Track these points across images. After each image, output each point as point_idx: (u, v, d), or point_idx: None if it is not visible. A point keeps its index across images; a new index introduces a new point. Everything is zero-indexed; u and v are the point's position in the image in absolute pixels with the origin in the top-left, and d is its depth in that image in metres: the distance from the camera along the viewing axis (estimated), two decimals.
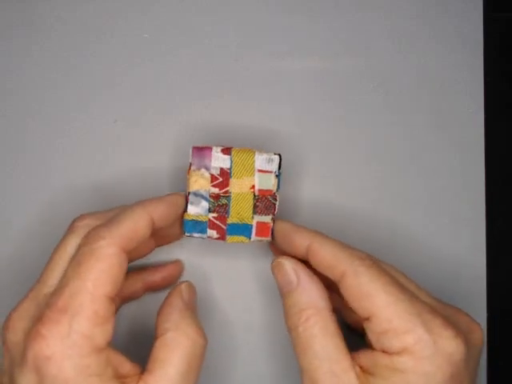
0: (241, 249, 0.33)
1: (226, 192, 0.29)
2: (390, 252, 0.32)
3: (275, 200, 0.29)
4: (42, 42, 0.34)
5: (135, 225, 0.25)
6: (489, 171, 0.34)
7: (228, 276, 0.33)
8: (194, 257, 0.33)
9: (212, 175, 0.29)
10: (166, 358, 0.24)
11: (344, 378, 0.24)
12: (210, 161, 0.29)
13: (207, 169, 0.29)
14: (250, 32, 0.34)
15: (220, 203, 0.29)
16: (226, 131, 0.34)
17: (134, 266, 0.31)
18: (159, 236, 0.30)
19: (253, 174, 0.29)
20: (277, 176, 0.29)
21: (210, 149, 0.29)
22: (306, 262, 0.27)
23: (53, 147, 0.34)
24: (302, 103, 0.34)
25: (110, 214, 0.27)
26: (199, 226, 0.29)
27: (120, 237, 0.24)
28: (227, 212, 0.29)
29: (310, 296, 0.26)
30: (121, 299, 0.30)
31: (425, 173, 0.34)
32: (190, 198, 0.29)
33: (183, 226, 0.29)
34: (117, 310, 0.28)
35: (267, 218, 0.29)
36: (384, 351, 0.24)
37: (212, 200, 0.29)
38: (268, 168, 0.29)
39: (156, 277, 0.31)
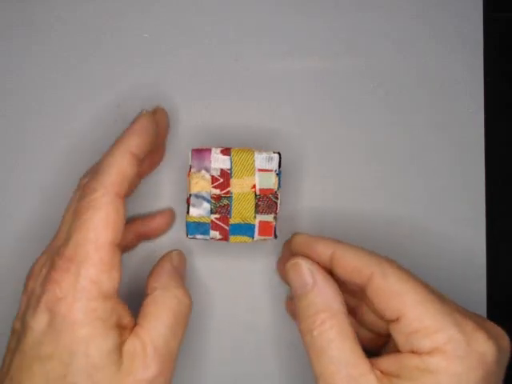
0: (243, 249, 0.33)
1: (228, 193, 0.29)
2: (389, 252, 0.31)
3: (276, 199, 0.29)
4: (42, 42, 0.34)
5: (120, 167, 0.26)
6: (489, 171, 0.34)
7: (229, 276, 0.33)
8: (195, 257, 0.33)
9: (212, 176, 0.29)
10: (155, 313, 0.26)
11: (363, 381, 0.23)
12: (210, 162, 0.29)
13: (207, 170, 0.29)
14: (250, 32, 0.34)
15: (221, 204, 0.29)
16: (226, 131, 0.34)
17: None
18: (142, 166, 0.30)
19: (253, 174, 0.29)
20: (277, 174, 0.29)
21: (209, 150, 0.29)
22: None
23: (53, 147, 0.34)
24: (302, 103, 0.34)
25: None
26: (202, 227, 0.29)
27: (111, 184, 0.26)
28: (229, 212, 0.29)
29: (325, 298, 0.25)
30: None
31: (425, 173, 0.34)
32: (192, 200, 0.29)
33: (186, 228, 0.29)
34: (121, 255, 0.28)
35: (269, 217, 0.29)
36: (413, 352, 0.23)
37: (213, 201, 0.29)
38: (268, 167, 0.29)
39: (147, 227, 0.32)
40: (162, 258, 0.30)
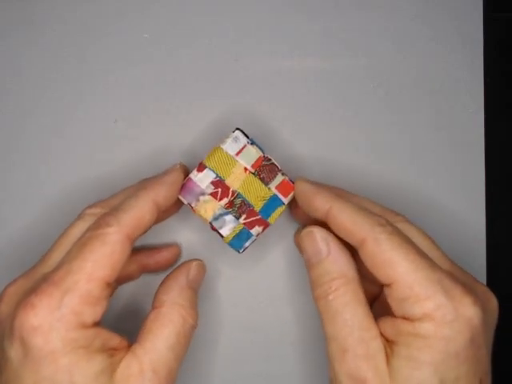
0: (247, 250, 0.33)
1: (233, 193, 0.29)
2: None
3: (270, 160, 0.29)
4: (42, 42, 0.34)
5: (141, 212, 0.26)
6: (489, 171, 0.34)
7: (231, 276, 0.33)
8: (197, 257, 0.33)
9: (211, 193, 0.29)
10: (157, 331, 0.25)
11: (373, 344, 0.24)
12: (198, 186, 0.28)
13: (203, 194, 0.29)
14: (250, 32, 0.34)
15: (237, 204, 0.29)
16: (226, 131, 0.34)
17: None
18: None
19: (235, 162, 0.29)
20: (252, 144, 0.29)
21: (189, 179, 0.28)
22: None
23: (52, 147, 0.34)
24: (301, 103, 0.34)
25: (116, 200, 0.27)
26: (242, 235, 0.29)
27: (127, 225, 0.25)
28: (249, 205, 0.29)
29: (340, 265, 0.26)
30: (117, 281, 0.30)
31: (425, 173, 0.34)
32: (215, 225, 0.29)
33: (233, 248, 0.29)
34: (112, 292, 0.28)
35: (279, 178, 0.29)
36: (405, 318, 0.24)
37: (230, 209, 0.29)
38: (240, 146, 0.29)
39: (151, 260, 0.31)
40: (179, 269, 0.29)
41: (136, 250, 0.31)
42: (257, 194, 0.29)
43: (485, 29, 0.34)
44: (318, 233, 0.27)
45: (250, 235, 0.29)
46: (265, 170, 0.29)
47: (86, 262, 0.24)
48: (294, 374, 0.33)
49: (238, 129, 0.29)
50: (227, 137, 0.29)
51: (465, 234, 0.33)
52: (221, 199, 0.29)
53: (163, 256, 0.32)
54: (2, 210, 0.33)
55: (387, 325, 0.25)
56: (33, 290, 0.24)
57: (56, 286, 0.23)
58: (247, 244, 0.29)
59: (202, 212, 0.28)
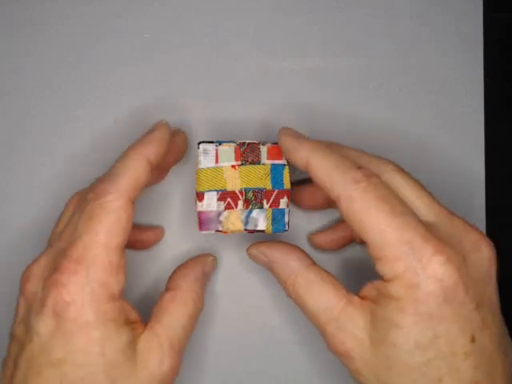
0: (246, 245, 0.33)
1: (241, 192, 0.28)
2: None
3: (244, 143, 0.29)
4: (42, 42, 0.34)
5: (137, 173, 0.26)
6: (489, 171, 0.34)
7: (231, 275, 0.33)
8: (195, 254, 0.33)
9: (226, 208, 0.28)
10: (173, 311, 0.27)
11: (342, 317, 0.25)
12: (211, 211, 0.28)
13: (220, 214, 0.28)
14: (249, 32, 0.34)
15: (252, 197, 0.28)
16: (226, 131, 0.34)
17: None
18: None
19: (220, 168, 0.28)
20: (220, 144, 0.29)
21: (199, 213, 0.28)
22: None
23: (52, 147, 0.34)
24: (301, 103, 0.34)
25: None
26: (277, 217, 0.29)
27: (125, 189, 0.25)
28: (260, 190, 0.28)
29: (284, 266, 0.28)
30: None
31: (425, 173, 0.34)
32: (250, 227, 0.28)
33: (279, 232, 0.29)
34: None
35: (264, 149, 0.29)
36: (382, 278, 0.24)
37: (250, 206, 0.28)
38: (213, 154, 0.28)
39: (133, 236, 0.31)
40: (196, 260, 0.31)
41: None
42: (258, 176, 0.29)
43: (485, 29, 0.34)
44: (254, 251, 0.29)
45: (282, 211, 0.29)
46: (247, 153, 0.29)
47: (99, 234, 0.24)
48: (294, 373, 0.33)
49: (199, 143, 0.29)
50: (198, 155, 0.29)
51: None
52: (236, 205, 0.28)
53: (147, 235, 0.32)
54: (1, 211, 0.33)
55: (371, 287, 0.25)
56: (57, 268, 0.24)
57: (78, 263, 0.24)
58: (286, 219, 0.29)
59: (232, 227, 0.28)
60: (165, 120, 0.29)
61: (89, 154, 0.33)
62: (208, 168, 0.28)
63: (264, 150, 0.29)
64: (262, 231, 0.29)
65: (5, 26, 0.34)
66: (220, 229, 0.28)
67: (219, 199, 0.28)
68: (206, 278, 0.30)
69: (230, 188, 0.28)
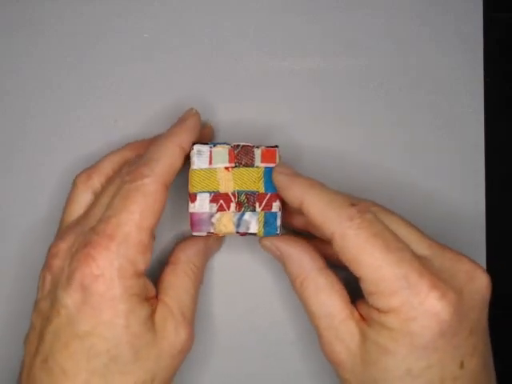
0: (244, 246, 0.33)
1: (234, 195, 0.28)
2: None
3: (239, 146, 0.29)
4: (42, 42, 0.34)
5: (172, 159, 0.27)
6: (489, 171, 0.34)
7: (230, 275, 0.33)
8: None
9: (218, 210, 0.28)
10: (179, 283, 0.28)
11: (342, 327, 0.26)
12: (203, 213, 0.28)
13: (212, 215, 0.28)
14: (249, 32, 0.34)
15: (244, 200, 0.28)
16: (226, 131, 0.34)
17: None
18: None
19: (214, 169, 0.28)
20: (215, 145, 0.29)
21: (191, 214, 0.28)
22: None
23: (52, 147, 0.34)
24: (301, 103, 0.34)
25: (104, 164, 0.30)
26: (269, 220, 0.28)
27: (161, 174, 0.26)
28: (252, 192, 0.28)
29: (296, 263, 0.28)
30: None
31: (425, 173, 0.34)
32: (241, 230, 0.28)
33: (270, 235, 0.29)
34: None
35: (258, 152, 0.29)
36: (374, 308, 0.25)
37: (242, 208, 0.28)
38: (207, 155, 0.28)
39: None
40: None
41: None
42: (251, 179, 0.29)
43: (485, 29, 0.34)
44: (268, 244, 0.29)
45: (274, 214, 0.29)
46: (241, 156, 0.29)
47: (133, 213, 0.25)
48: (294, 373, 0.33)
49: (194, 143, 0.29)
50: (191, 156, 0.28)
51: (465, 234, 0.33)
52: (229, 207, 0.28)
53: None
54: (1, 211, 0.33)
55: (363, 307, 0.26)
56: (88, 244, 0.25)
57: (110, 239, 0.25)
58: (278, 223, 0.29)
59: (224, 229, 0.28)
60: (195, 109, 0.30)
61: (89, 154, 0.33)
62: (201, 169, 0.28)
63: (258, 152, 0.29)
64: (254, 234, 0.29)
65: (5, 26, 0.34)
66: (212, 231, 0.28)
67: (211, 201, 0.28)
68: (208, 253, 0.31)
69: (222, 190, 0.28)
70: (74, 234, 0.27)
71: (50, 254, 0.27)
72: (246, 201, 0.28)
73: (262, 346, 0.33)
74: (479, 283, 0.25)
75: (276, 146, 0.29)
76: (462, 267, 0.26)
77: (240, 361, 0.33)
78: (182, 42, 0.34)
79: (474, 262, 0.26)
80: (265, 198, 0.29)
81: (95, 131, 0.34)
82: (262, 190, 0.29)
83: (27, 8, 0.34)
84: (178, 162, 0.27)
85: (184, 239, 0.31)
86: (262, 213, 0.28)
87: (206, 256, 0.31)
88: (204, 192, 0.28)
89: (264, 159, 0.29)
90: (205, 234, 0.28)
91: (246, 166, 0.29)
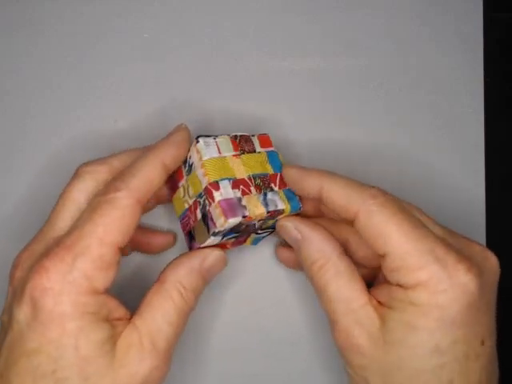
0: (245, 249, 0.33)
1: (250, 179, 0.28)
2: None
3: (237, 136, 0.29)
4: (42, 42, 0.34)
5: (150, 175, 0.26)
6: (489, 171, 0.34)
7: (231, 276, 0.33)
8: None
9: (242, 194, 0.28)
10: (157, 304, 0.25)
11: (361, 312, 0.25)
12: (231, 197, 0.27)
13: (240, 199, 0.27)
14: (249, 32, 0.34)
15: (260, 183, 0.28)
16: (226, 131, 0.34)
17: None
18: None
19: (224, 157, 0.28)
20: (217, 137, 0.28)
21: (220, 201, 0.27)
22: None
23: (53, 147, 0.34)
24: (301, 103, 0.34)
25: (113, 159, 0.27)
26: (289, 196, 0.29)
27: (136, 189, 0.25)
28: (264, 175, 0.29)
29: (316, 247, 0.27)
30: None
31: (425, 173, 0.34)
32: (271, 209, 0.28)
33: (295, 211, 0.29)
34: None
35: (255, 139, 0.30)
36: (399, 285, 0.25)
37: (262, 190, 0.28)
38: (214, 145, 0.28)
39: (145, 239, 0.31)
40: (197, 252, 0.28)
41: None
42: (258, 163, 0.29)
43: (485, 29, 0.34)
44: (288, 224, 0.28)
45: (291, 190, 0.29)
46: (243, 143, 0.29)
47: (97, 226, 0.24)
48: (294, 373, 0.33)
49: (198, 136, 0.28)
50: (198, 150, 0.28)
51: (464, 233, 0.33)
52: (250, 191, 0.28)
53: (157, 239, 0.31)
54: (2, 211, 0.33)
55: (383, 292, 0.26)
56: (45, 254, 0.24)
57: (68, 250, 0.23)
58: (298, 197, 0.29)
59: (256, 211, 0.27)
60: (185, 124, 0.29)
61: (89, 154, 0.33)
62: (213, 158, 0.28)
63: (255, 139, 0.30)
64: (282, 211, 0.28)
65: (5, 26, 0.34)
66: (246, 213, 0.27)
67: (233, 187, 0.28)
68: (205, 274, 0.27)
69: (239, 176, 0.28)
70: (36, 244, 0.25)
71: (13, 265, 0.25)
72: (261, 183, 0.29)
73: (265, 346, 0.33)
74: (492, 263, 0.26)
75: (266, 134, 0.30)
76: (475, 248, 0.26)
77: (242, 361, 0.33)
78: (182, 41, 0.34)
79: (483, 245, 0.27)
80: (276, 177, 0.29)
81: (95, 131, 0.34)
82: (271, 171, 0.29)
83: (27, 8, 0.34)
84: (157, 178, 0.26)
85: (178, 256, 0.28)
86: (281, 190, 0.29)
87: (203, 277, 0.27)
88: (224, 179, 0.27)
89: (262, 144, 0.30)
90: (240, 218, 0.27)
91: (250, 152, 0.29)
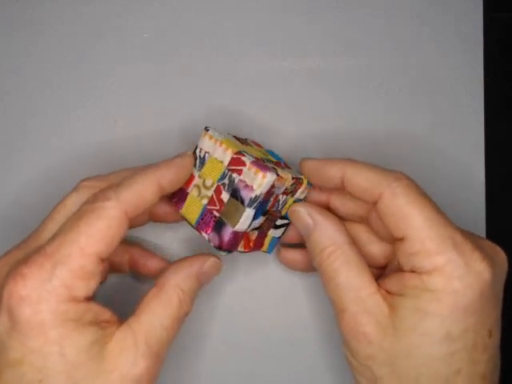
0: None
1: (263, 160, 0.28)
2: None
3: (234, 136, 0.30)
4: (42, 42, 0.34)
5: (142, 190, 0.25)
6: (489, 171, 0.34)
7: (232, 278, 0.33)
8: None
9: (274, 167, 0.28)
10: (155, 308, 0.25)
11: (370, 300, 0.25)
12: (265, 165, 0.27)
13: (273, 170, 0.27)
14: (249, 32, 0.34)
15: (274, 162, 0.29)
16: (226, 131, 0.34)
17: (132, 238, 0.32)
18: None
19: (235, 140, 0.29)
20: (222, 134, 0.29)
21: (258, 161, 0.27)
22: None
23: (52, 147, 0.34)
24: (301, 103, 0.34)
25: (113, 176, 0.27)
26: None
27: (126, 201, 0.24)
28: (270, 160, 0.29)
29: (327, 234, 0.27)
30: (109, 266, 0.29)
31: (425, 173, 0.34)
32: (295, 175, 0.28)
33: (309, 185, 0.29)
34: (105, 275, 0.28)
35: (250, 141, 0.31)
36: (414, 271, 0.25)
37: (281, 167, 0.29)
38: (222, 133, 0.29)
39: (142, 259, 0.31)
40: (195, 257, 0.28)
41: (132, 243, 0.31)
42: (261, 153, 0.30)
43: (485, 29, 0.34)
44: (301, 210, 0.28)
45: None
46: (242, 140, 0.30)
47: (80, 235, 0.23)
48: (294, 373, 0.33)
49: (207, 129, 0.28)
50: (213, 134, 0.28)
51: None
52: (273, 168, 0.27)
53: (153, 262, 0.31)
54: (1, 211, 0.33)
55: (393, 280, 0.26)
56: (24, 261, 0.23)
57: (48, 258, 0.23)
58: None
59: (285, 176, 0.27)
60: (190, 152, 0.28)
61: (89, 154, 0.33)
62: (230, 139, 0.28)
63: (250, 142, 0.31)
64: (302, 180, 0.29)
65: (5, 26, 0.34)
66: (278, 172, 0.27)
67: (253, 163, 0.26)
68: (202, 279, 0.28)
69: (256, 156, 0.28)
70: (17, 251, 0.25)
71: None
72: (275, 163, 0.29)
73: (265, 346, 0.33)
74: (502, 257, 0.26)
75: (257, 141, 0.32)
76: (486, 242, 0.26)
77: (242, 361, 0.33)
78: (182, 42, 0.34)
79: (490, 241, 0.27)
80: (280, 163, 0.30)
81: (95, 131, 0.34)
82: (273, 160, 0.30)
83: (27, 8, 0.34)
84: (150, 195, 0.25)
85: (176, 260, 0.28)
86: (291, 170, 0.30)
87: (199, 282, 0.28)
88: (247, 154, 0.27)
89: (256, 146, 0.31)
90: (275, 176, 0.26)
91: (253, 144, 0.30)
